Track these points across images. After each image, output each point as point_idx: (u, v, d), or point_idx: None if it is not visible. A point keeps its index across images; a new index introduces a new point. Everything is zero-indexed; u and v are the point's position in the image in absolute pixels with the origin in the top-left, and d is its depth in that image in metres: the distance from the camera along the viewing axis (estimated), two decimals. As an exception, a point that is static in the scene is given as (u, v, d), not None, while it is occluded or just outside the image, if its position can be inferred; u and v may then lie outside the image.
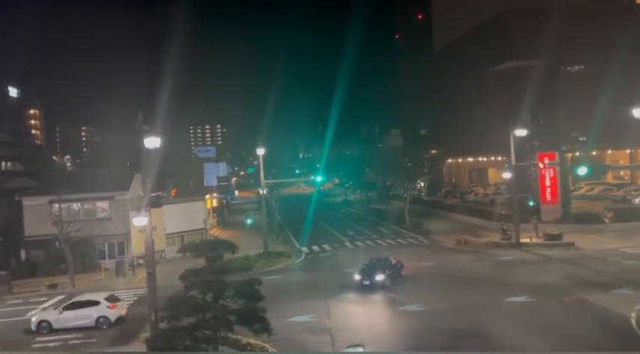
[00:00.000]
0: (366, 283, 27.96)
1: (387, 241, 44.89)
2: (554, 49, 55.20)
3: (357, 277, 28.73)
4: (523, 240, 37.73)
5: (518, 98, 54.50)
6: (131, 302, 28.72)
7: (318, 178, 50.98)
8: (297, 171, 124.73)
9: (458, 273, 31.31)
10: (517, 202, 38.21)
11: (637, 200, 51.30)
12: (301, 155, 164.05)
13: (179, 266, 26.38)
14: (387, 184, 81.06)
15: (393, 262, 30.32)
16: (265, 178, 42.59)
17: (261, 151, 42.53)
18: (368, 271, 28.58)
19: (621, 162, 69.67)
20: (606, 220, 42.24)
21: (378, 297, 26.88)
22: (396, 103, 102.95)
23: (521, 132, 36.76)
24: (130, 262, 38.22)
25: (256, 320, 15.93)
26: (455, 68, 75.87)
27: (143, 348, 19.56)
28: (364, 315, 24.40)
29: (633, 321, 20.81)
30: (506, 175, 41.26)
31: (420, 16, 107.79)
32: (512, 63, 60.06)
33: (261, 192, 45.96)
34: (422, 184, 79.72)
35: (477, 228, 47.06)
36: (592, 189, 62.08)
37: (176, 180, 67.44)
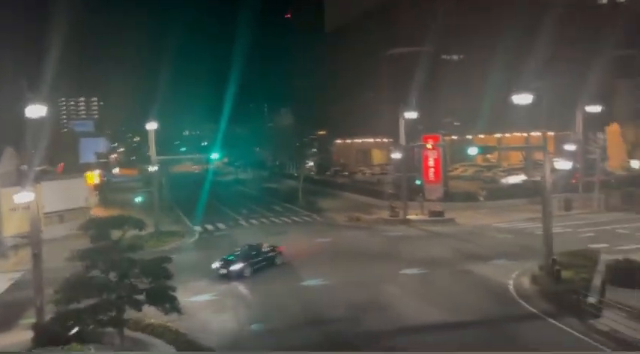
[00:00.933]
0: (223, 272, 26.07)
1: (282, 219, 45.25)
2: (439, 38, 58.58)
3: (215, 265, 26.72)
4: (410, 216, 40.17)
5: (404, 83, 57.22)
6: (6, 287, 26.13)
7: (214, 156, 49.62)
8: (182, 149, 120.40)
9: (353, 248, 32.52)
10: (406, 181, 40.46)
11: (504, 180, 56.81)
12: (187, 133, 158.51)
13: (59, 247, 24.56)
14: (278, 163, 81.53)
15: (265, 249, 28.44)
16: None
17: (152, 126, 40.40)
18: (229, 259, 26.76)
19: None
20: (481, 198, 46.27)
21: (278, 274, 27.08)
22: (287, 82, 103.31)
23: (411, 115, 38.78)
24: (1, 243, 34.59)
25: (166, 299, 15.31)
26: (346, 51, 77.58)
27: (26, 335, 17.93)
28: (266, 292, 24.45)
29: (511, 287, 23.21)
30: (396, 155, 43.38)
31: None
32: (399, 49, 62.82)
33: (148, 169, 43.81)
34: (311, 164, 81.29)
35: (366, 206, 49.09)
36: (466, 170, 67.63)
37: (48, 155, 61.84)
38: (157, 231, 37.85)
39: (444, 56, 68.56)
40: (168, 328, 17.89)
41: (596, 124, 48.77)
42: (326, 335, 18.76)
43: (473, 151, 24.45)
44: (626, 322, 18.01)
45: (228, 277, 26.02)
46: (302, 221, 44.03)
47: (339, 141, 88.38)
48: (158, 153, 41.31)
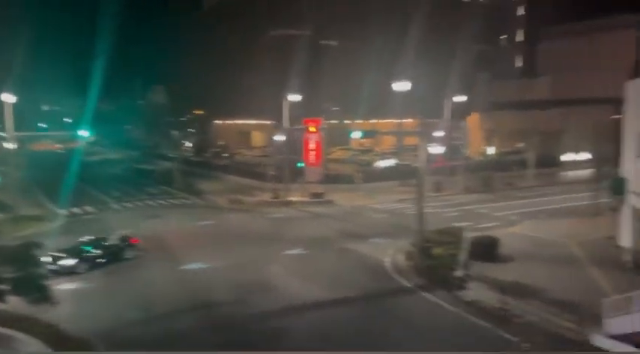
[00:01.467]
0: (53, 267, 22.36)
1: (159, 201, 43.38)
2: (319, 22, 59.56)
3: (45, 258, 21.32)
4: (292, 198, 40.76)
5: (285, 66, 57.48)
6: None
7: (83, 133, 45.76)
8: (41, 125, 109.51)
9: (236, 231, 32.26)
10: (288, 163, 40.91)
11: (377, 164, 59.81)
12: (46, 108, 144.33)
13: None
14: (152, 143, 77.77)
15: (111, 242, 25.59)
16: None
17: (8, 98, 36.21)
18: (59, 255, 23.47)
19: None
20: (357, 181, 48.26)
21: (156, 260, 25.97)
22: (163, 60, 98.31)
23: (294, 97, 39.13)
24: None
25: (35, 289, 13.95)
26: (226, 29, 75.82)
27: None
28: (141, 279, 23.28)
29: (388, 264, 24.66)
30: (278, 137, 43.60)
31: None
32: (280, 31, 62.78)
33: (7, 146, 39.35)
34: (189, 145, 78.77)
35: (248, 188, 48.79)
36: (343, 154, 70.15)
37: None
38: (14, 215, 34.32)
39: (323, 41, 69.77)
40: (36, 321, 16.36)
41: (459, 113, 53.17)
42: (212, 319, 18.46)
43: (357, 134, 25.37)
44: (486, 292, 20.03)
45: (60, 273, 22.60)
46: (180, 204, 42.61)
47: (218, 122, 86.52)
48: (14, 129, 37.28)
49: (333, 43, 71.88)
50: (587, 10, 64.46)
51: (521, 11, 77.48)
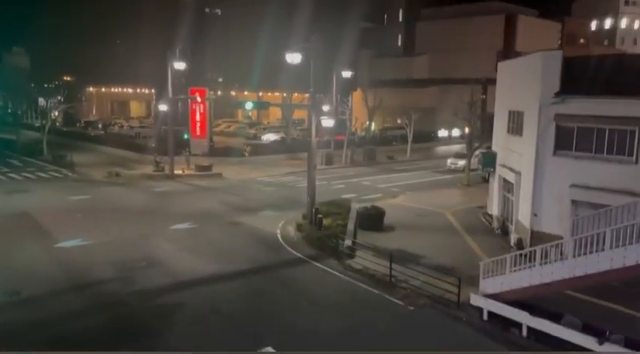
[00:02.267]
0: None
1: (24, 174, 39.37)
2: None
3: None
4: (176, 171, 39.14)
5: (168, 32, 54.50)
6: None
7: None
8: None
9: (116, 205, 30.30)
10: (173, 134, 39.08)
11: (264, 137, 59.53)
12: None
13: None
14: (15, 110, 69.96)
15: None
16: None
17: None
18: None
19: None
20: (245, 154, 47.68)
21: (23, 237, 23.60)
22: (25, 19, 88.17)
23: (180, 65, 37.24)
24: None
25: None
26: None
27: None
28: (17, 259, 21.07)
29: (279, 236, 24.71)
30: (161, 107, 41.40)
31: None
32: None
33: None
34: (56, 113, 72.33)
35: (126, 160, 46.06)
36: (229, 126, 68.75)
37: None
38: None
39: (207, 9, 67.11)
40: None
41: (344, 89, 54.39)
42: (96, 297, 17.21)
43: (249, 105, 24.80)
44: (374, 259, 20.85)
45: None
46: (50, 177, 39.03)
47: (91, 89, 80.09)
48: None
49: (218, 11, 69.45)
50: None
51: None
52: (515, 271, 15.83)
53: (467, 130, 60.93)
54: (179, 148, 42.66)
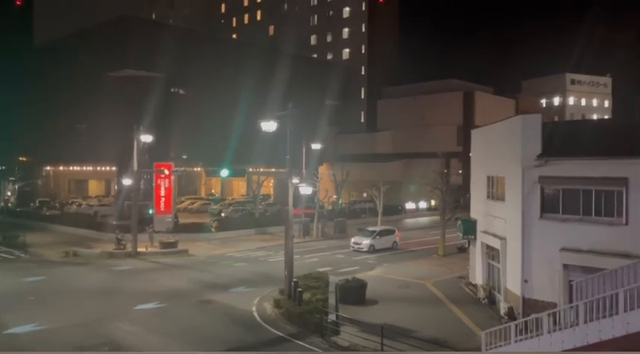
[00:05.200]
0: None
1: (-29, 256, 36.30)
2: (168, 66, 57.22)
3: None
4: (140, 249, 36.96)
5: (131, 111, 53.82)
6: None
7: None
8: None
9: (74, 286, 27.83)
10: (137, 210, 37.31)
11: (230, 212, 57.95)
12: None
13: None
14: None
15: None
16: None
17: None
18: None
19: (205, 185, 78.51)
20: (212, 230, 45.92)
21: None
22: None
23: (147, 137, 36.27)
24: None
25: None
26: (61, 66, 69.13)
27: None
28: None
29: (255, 313, 22.92)
30: (126, 182, 39.82)
31: (18, 3, 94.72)
32: (128, 71, 59.01)
33: None
34: (9, 194, 69.24)
35: (85, 239, 43.47)
36: (193, 203, 67.03)
37: None
38: None
39: (173, 89, 67.34)
40: None
41: (312, 163, 54.30)
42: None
43: (224, 172, 23.81)
44: (360, 334, 19.40)
45: None
46: (0, 259, 36.10)
47: (48, 168, 77.43)
48: None
49: (182, 91, 69.79)
50: (422, 72, 71.91)
51: (364, 71, 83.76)
52: (521, 340, 14.77)
53: (433, 202, 61.47)
54: (142, 224, 40.69)
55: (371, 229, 41.23)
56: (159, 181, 44.19)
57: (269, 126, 23.93)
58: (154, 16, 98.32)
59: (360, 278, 25.64)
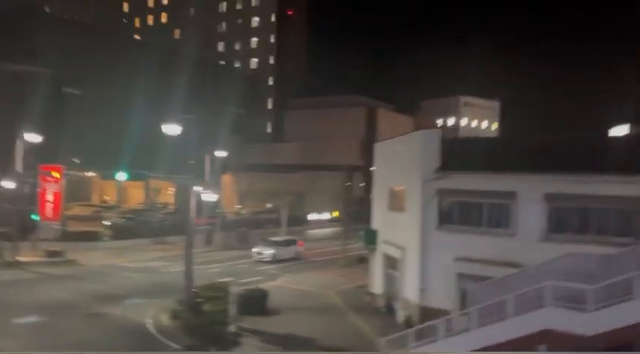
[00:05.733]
0: None
1: None
2: (58, 63, 53.49)
3: None
4: (21, 258, 33.74)
5: (16, 110, 49.60)
6: None
7: None
8: None
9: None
10: (19, 216, 34.11)
11: (124, 221, 54.81)
12: None
13: None
14: None
15: None
16: None
17: None
18: None
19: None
20: (106, 238, 43.17)
21: None
22: None
23: (33, 137, 33.37)
24: None
25: None
26: None
27: None
28: None
29: (151, 326, 21.70)
30: (7, 184, 36.26)
31: None
32: (11, 65, 54.17)
33: None
34: None
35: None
36: (85, 210, 62.65)
37: None
38: None
39: (65, 88, 63.00)
40: None
41: (215, 172, 53.08)
42: None
43: (122, 176, 22.42)
44: (263, 345, 19.05)
45: None
46: None
47: None
48: None
49: (76, 91, 65.49)
50: (330, 86, 73.42)
51: (272, 81, 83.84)
52: (418, 346, 15.23)
53: (336, 213, 62.53)
54: (25, 232, 37.26)
55: (274, 239, 41.01)
56: (45, 185, 40.74)
57: (172, 129, 22.94)
58: (47, 9, 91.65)
59: (263, 288, 25.28)
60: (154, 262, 36.52)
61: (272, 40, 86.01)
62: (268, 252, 38.22)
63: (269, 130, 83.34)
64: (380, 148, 28.02)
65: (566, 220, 18.10)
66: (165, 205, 65.98)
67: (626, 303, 11.86)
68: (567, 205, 18.11)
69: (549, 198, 18.37)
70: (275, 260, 37.78)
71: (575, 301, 12.55)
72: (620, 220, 17.10)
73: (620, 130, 24.17)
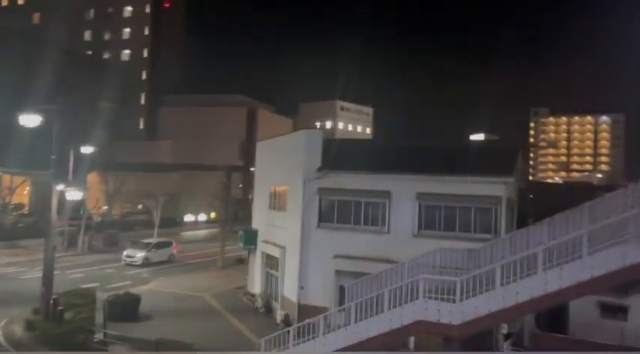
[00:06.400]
0: None
1: None
2: None
3: None
4: None
5: None
6: None
7: None
8: None
9: None
10: None
11: None
12: None
13: None
14: None
15: None
16: None
17: None
18: None
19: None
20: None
21: None
22: None
23: None
24: None
25: None
26: None
27: None
28: None
29: (0, 338, 19.30)
30: None
31: None
32: None
33: None
34: None
35: None
36: None
37: None
38: None
39: None
40: None
41: (79, 170, 49.00)
42: None
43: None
44: (133, 352, 17.85)
45: None
46: None
47: None
48: None
49: None
50: (209, 84, 71.54)
51: (146, 75, 79.61)
52: (298, 344, 15.20)
53: (213, 214, 61.02)
54: None
55: (146, 241, 38.86)
56: None
57: (31, 120, 20.61)
58: None
59: (134, 293, 23.72)
60: (4, 268, 32.67)
61: (146, 32, 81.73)
62: (139, 255, 36.11)
63: (141, 126, 78.98)
64: (262, 147, 27.77)
65: (435, 217, 19.29)
66: (20, 205, 59.73)
67: (488, 292, 12.84)
68: (436, 203, 19.31)
69: (420, 197, 19.45)
70: (147, 263, 35.77)
71: (445, 293, 13.33)
72: (482, 218, 18.61)
73: (478, 137, 26.42)
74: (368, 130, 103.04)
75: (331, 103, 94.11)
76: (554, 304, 12.83)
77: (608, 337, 17.06)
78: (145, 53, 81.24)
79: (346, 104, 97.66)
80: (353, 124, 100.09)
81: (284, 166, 23.60)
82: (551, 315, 18.08)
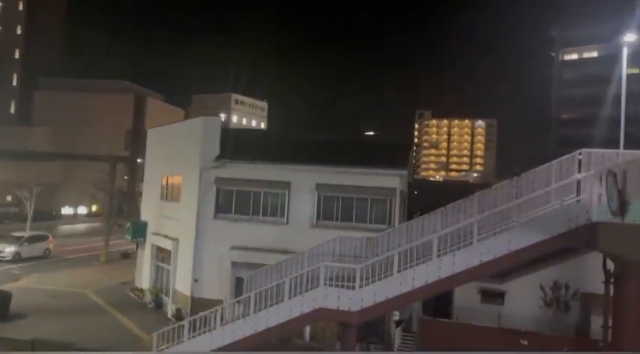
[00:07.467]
0: None
1: None
2: None
3: None
4: None
5: None
6: None
7: None
8: None
9: None
10: None
11: None
12: None
13: None
14: None
15: None
16: None
17: None
18: None
19: None
20: None
21: None
22: None
23: None
24: None
25: None
26: None
27: None
28: None
29: None
30: None
31: None
32: None
33: None
34: None
35: None
36: None
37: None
38: None
39: None
40: None
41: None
42: None
43: None
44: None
45: None
46: None
47: None
48: None
49: None
50: (91, 68, 66.85)
51: (18, 54, 72.39)
52: (193, 337, 14.59)
53: (95, 207, 57.04)
54: None
55: (17, 234, 35.29)
56: None
57: None
58: None
59: (3, 289, 21.38)
60: None
61: (21, 7, 74.23)
62: (9, 249, 32.72)
63: (12, 110, 71.63)
64: (154, 135, 26.35)
65: (333, 208, 19.56)
66: None
67: (386, 279, 13.22)
68: (334, 194, 19.58)
69: (319, 188, 19.60)
70: (18, 259, 32.50)
71: (345, 280, 13.50)
72: (377, 209, 19.19)
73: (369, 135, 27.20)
74: (263, 125, 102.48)
75: (226, 95, 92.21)
76: (447, 289, 13.52)
77: (487, 320, 18.37)
78: (19, 30, 73.74)
79: (241, 98, 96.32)
80: (248, 118, 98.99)
81: (179, 154, 22.57)
82: (437, 301, 19.17)
